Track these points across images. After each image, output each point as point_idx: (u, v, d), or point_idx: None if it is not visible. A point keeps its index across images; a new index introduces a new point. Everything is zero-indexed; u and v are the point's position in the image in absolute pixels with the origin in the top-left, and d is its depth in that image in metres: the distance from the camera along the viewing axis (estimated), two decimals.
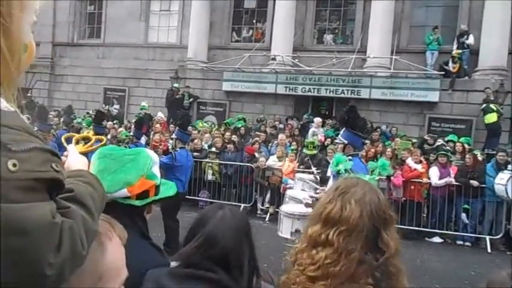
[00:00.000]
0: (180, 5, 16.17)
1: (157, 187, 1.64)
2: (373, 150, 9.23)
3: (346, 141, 4.88)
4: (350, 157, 4.73)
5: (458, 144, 9.59)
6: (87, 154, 1.34)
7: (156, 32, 16.90)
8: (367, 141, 9.55)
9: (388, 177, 8.01)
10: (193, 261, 1.35)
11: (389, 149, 9.30)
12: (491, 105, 10.71)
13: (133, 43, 16.55)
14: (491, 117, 10.79)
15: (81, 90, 17.33)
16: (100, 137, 1.40)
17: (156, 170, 1.64)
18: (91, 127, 9.60)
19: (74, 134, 1.35)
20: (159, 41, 16.73)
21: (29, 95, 15.73)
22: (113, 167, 1.53)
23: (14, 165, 0.62)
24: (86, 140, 1.36)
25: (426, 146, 10.68)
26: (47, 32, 17.22)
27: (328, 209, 1.27)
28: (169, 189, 1.76)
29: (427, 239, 8.25)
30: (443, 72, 11.98)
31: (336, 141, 5.32)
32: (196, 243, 1.36)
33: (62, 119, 11.65)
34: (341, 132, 5.14)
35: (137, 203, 1.56)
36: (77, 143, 1.37)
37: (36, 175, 0.66)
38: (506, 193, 6.73)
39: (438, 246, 7.97)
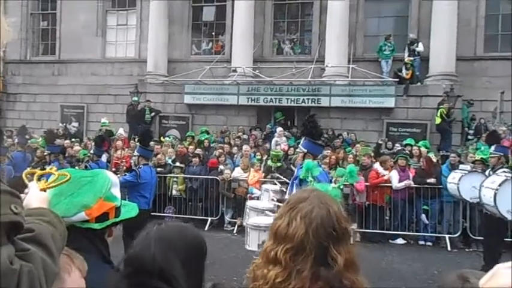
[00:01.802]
0: (138, 18, 16.00)
1: (117, 209, 1.60)
2: (334, 157, 9.43)
3: (305, 150, 5.04)
4: None
5: (415, 147, 9.98)
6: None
7: (113, 47, 16.61)
8: (328, 149, 9.79)
9: (351, 184, 8.19)
10: None
11: (351, 156, 9.54)
12: (439, 110, 11.31)
13: (90, 59, 16.16)
14: (436, 120, 11.51)
15: (37, 109, 16.70)
16: (64, 172, 1.36)
17: (116, 191, 1.61)
18: (45, 148, 9.29)
19: (35, 170, 1.30)
20: (117, 56, 16.44)
21: None
22: (70, 190, 1.48)
23: None
24: (48, 176, 1.32)
25: (386, 151, 11.04)
26: None
27: (277, 225, 1.26)
28: (130, 210, 1.73)
29: (390, 241, 8.49)
30: (397, 79, 12.49)
31: (297, 150, 5.45)
32: (121, 271, 1.27)
33: (16, 140, 11.15)
34: (301, 141, 5.31)
35: (96, 226, 1.52)
36: (39, 179, 1.32)
37: None
38: (459, 192, 7.05)
39: (401, 248, 8.22)
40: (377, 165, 8.75)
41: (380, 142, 11.10)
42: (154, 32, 14.90)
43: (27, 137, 11.66)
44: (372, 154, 9.64)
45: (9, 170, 6.86)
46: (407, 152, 9.63)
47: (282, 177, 7.93)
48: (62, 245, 0.91)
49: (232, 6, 14.55)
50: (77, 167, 8.15)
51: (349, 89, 12.82)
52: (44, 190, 1.22)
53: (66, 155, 9.77)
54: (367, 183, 8.45)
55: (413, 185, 8.39)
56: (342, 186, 4.59)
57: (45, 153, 9.29)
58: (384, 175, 8.49)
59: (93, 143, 10.39)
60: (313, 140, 5.25)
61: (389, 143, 11.55)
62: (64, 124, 15.42)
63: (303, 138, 5.38)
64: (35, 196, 1.10)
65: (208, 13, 15.87)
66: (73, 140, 12.50)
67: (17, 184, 1.15)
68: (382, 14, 14.33)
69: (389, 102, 12.45)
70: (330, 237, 1.20)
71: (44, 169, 1.51)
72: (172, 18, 15.29)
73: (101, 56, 16.36)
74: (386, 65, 13.25)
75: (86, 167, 7.95)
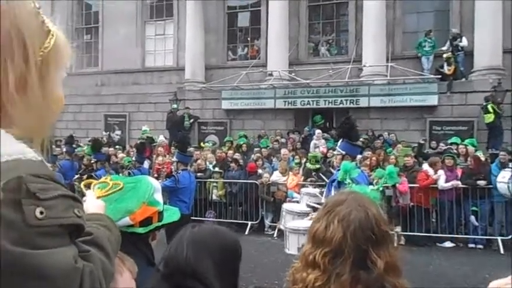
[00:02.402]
0: (175, 28, 16.39)
1: (160, 213, 1.65)
2: (375, 158, 9.20)
3: (343, 152, 4.95)
4: None
5: (461, 146, 9.56)
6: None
7: (152, 57, 17.09)
8: (368, 151, 9.57)
9: (394, 185, 7.97)
10: None
11: (392, 156, 9.27)
12: (489, 106, 10.72)
13: (130, 69, 16.73)
14: (488, 118, 10.81)
15: (82, 119, 17.44)
16: (117, 181, 1.45)
17: (158, 196, 1.66)
18: (92, 156, 9.67)
19: (92, 180, 1.42)
20: (156, 65, 16.91)
21: None
22: (115, 196, 1.53)
23: (41, 212, 0.66)
24: (104, 185, 1.44)
25: (430, 150, 10.66)
26: None
27: (315, 228, 1.25)
28: (172, 214, 1.78)
29: (438, 244, 8.16)
30: (439, 76, 12.04)
31: (334, 152, 5.36)
32: (160, 272, 1.32)
33: (64, 149, 11.69)
34: (339, 143, 5.23)
35: (140, 230, 1.57)
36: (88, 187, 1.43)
37: (60, 221, 0.70)
38: (509, 191, 6.68)
39: (450, 251, 7.87)
40: (426, 167, 8.45)
41: (422, 142, 10.72)
42: (191, 40, 15.20)
43: (74, 146, 12.18)
44: (413, 154, 9.32)
45: (59, 177, 7.21)
46: (454, 151, 9.24)
47: (322, 179, 7.85)
48: (117, 248, 0.99)
49: (266, 11, 14.60)
50: (121, 174, 8.42)
51: (388, 88, 12.50)
52: (100, 198, 1.31)
53: (111, 162, 10.11)
54: (411, 185, 8.18)
55: (460, 185, 8.03)
56: (381, 188, 4.46)
57: (91, 161, 9.68)
58: (433, 178, 8.19)
59: (135, 150, 10.72)
60: (351, 141, 5.15)
61: (434, 142, 11.13)
62: (108, 132, 15.99)
63: (340, 140, 5.28)
64: (92, 203, 1.20)
65: (243, 19, 16.03)
66: (117, 147, 12.94)
67: None
68: (421, 10, 13.86)
69: (432, 100, 12.01)
70: (368, 240, 1.18)
71: (91, 176, 1.63)
72: (208, 26, 15.54)
73: (141, 66, 16.89)
74: (427, 62, 12.79)
75: (129, 173, 8.21)
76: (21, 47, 0.72)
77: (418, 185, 8.21)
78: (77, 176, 9.24)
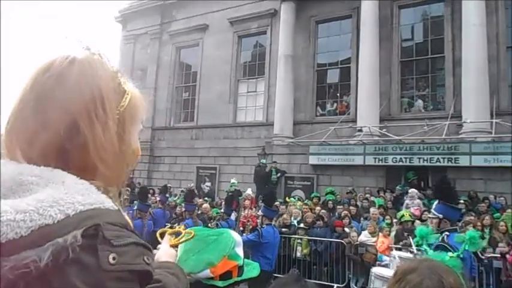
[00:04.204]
0: (266, 85, 17.12)
1: (240, 267, 1.64)
2: (479, 224, 8.24)
3: (440, 215, 4.46)
4: (447, 233, 4.27)
5: None
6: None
7: (243, 112, 17.90)
8: (472, 214, 8.66)
9: (503, 256, 7.00)
10: None
11: (502, 223, 8.23)
12: None
13: (223, 123, 17.65)
14: None
15: (177, 170, 18.55)
16: (189, 230, 1.54)
17: (240, 251, 1.66)
18: (183, 205, 10.06)
19: (166, 229, 1.48)
20: (247, 120, 17.63)
21: (131, 176, 17.22)
22: (197, 248, 1.58)
23: (114, 258, 0.71)
24: (177, 234, 1.49)
25: None
26: (148, 119, 19.20)
27: None
28: (252, 270, 1.75)
29: None
30: None
31: (429, 215, 4.86)
32: None
33: (158, 198, 12.40)
34: (434, 205, 4.73)
35: (220, 284, 1.57)
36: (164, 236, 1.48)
37: (130, 267, 0.74)
38: None
39: None
40: None
41: None
42: (281, 97, 15.69)
43: (167, 195, 12.86)
44: None
45: (150, 225, 7.59)
46: None
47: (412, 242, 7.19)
48: None
49: (356, 67, 14.62)
50: (209, 225, 8.61)
51: (493, 146, 11.40)
52: (173, 246, 1.35)
53: (199, 212, 10.43)
54: None
55: None
56: (461, 255, 3.88)
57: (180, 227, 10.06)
58: None
59: (223, 202, 10.97)
60: (449, 203, 4.61)
61: None
62: (192, 184, 16.40)
63: (435, 202, 4.77)
64: (164, 251, 1.28)
65: (332, 75, 16.21)
66: (206, 199, 13.38)
67: (154, 238, 1.43)
68: None
69: None
70: None
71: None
72: (298, 83, 15.96)
73: (232, 121, 17.73)
74: None
75: (217, 225, 8.35)
76: (101, 107, 0.82)
77: None
78: (168, 225, 9.64)
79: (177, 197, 13.68)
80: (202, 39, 19.11)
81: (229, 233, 1.69)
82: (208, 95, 18.22)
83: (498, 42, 12.84)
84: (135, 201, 9.12)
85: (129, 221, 0.82)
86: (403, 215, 8.98)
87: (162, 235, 1.40)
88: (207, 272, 1.53)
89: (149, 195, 12.37)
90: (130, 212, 8.98)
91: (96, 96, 0.82)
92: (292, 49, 15.95)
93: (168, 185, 16.03)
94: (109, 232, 0.72)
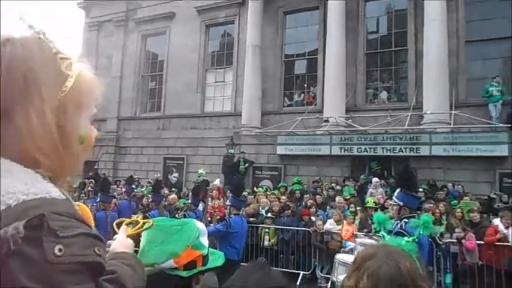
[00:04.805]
0: (234, 75, 17.04)
1: (204, 257, 1.63)
2: (438, 211, 8.61)
3: (401, 203, 4.64)
4: (406, 219, 4.46)
5: None
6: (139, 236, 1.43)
7: (211, 102, 17.78)
8: (431, 201, 9.02)
9: (459, 241, 7.37)
10: None
11: (458, 210, 8.63)
12: None
13: (190, 113, 17.48)
14: None
15: (143, 161, 18.26)
16: (148, 220, 1.50)
17: (204, 240, 1.66)
18: (150, 195, 9.96)
19: (124, 219, 1.46)
20: (215, 110, 17.53)
21: (96, 167, 16.79)
22: (161, 238, 1.56)
23: (60, 250, 0.68)
24: (135, 224, 1.45)
25: (500, 204, 9.80)
26: (114, 108, 18.72)
27: (346, 286, 1.20)
28: (217, 259, 1.75)
29: None
30: (510, 125, 11.27)
31: (391, 202, 5.04)
32: None
33: (123, 189, 12.18)
34: (395, 193, 4.92)
35: (184, 273, 1.55)
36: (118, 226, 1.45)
37: (79, 259, 0.71)
38: None
39: None
40: (497, 221, 7.76)
41: (493, 196, 9.88)
42: (249, 87, 15.68)
43: (133, 186, 12.66)
44: (477, 208, 8.58)
45: (114, 216, 7.43)
46: None
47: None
48: (142, 286, 1.00)
49: (323, 59, 14.80)
50: (176, 216, 8.55)
51: (452, 137, 11.90)
52: (131, 236, 1.31)
53: (166, 203, 10.34)
54: (479, 241, 7.49)
55: None
56: (417, 239, 4.08)
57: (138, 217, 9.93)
58: (504, 233, 7.46)
59: (191, 193, 10.92)
60: (410, 191, 4.81)
61: (505, 196, 10.25)
62: (159, 175, 16.21)
63: (397, 190, 4.97)
64: (119, 242, 1.22)
65: (300, 66, 16.34)
66: (173, 189, 13.26)
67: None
68: (486, 56, 13.34)
69: (502, 150, 11.20)
70: None
71: (146, 217, 1.67)
72: (266, 73, 15.99)
73: (200, 111, 17.58)
74: (495, 110, 12.04)
75: (184, 215, 8.30)
76: (36, 93, 0.76)
77: (489, 243, 7.49)
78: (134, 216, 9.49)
79: (143, 188, 13.49)
80: (169, 28, 18.75)
81: (193, 223, 1.66)
82: (175, 84, 17.96)
83: (458, 37, 13.33)
84: (99, 193, 8.93)
85: (89, 212, 0.80)
86: (368, 201, 9.28)
87: (119, 225, 1.36)
88: (171, 262, 1.51)
89: (114, 186, 12.17)
90: (94, 204, 8.81)
91: (30, 82, 0.75)
92: (260, 39, 15.93)
93: (135, 176, 15.77)
94: (55, 222, 0.69)
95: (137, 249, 1.45)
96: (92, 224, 0.94)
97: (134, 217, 1.53)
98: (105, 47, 20.07)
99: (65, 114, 0.80)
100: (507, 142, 11.16)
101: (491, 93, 12.12)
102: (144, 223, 1.44)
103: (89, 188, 12.61)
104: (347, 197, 10.59)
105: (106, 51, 19.77)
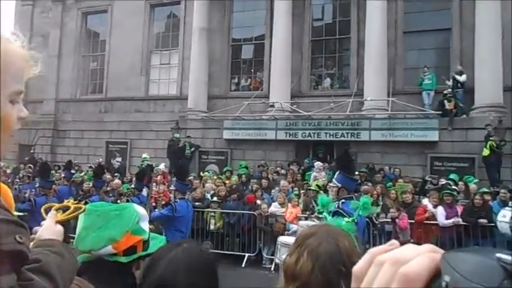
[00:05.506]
0: (180, 58, 16.69)
1: (145, 242, 1.61)
2: (375, 192, 9.11)
3: (339, 185, 4.88)
4: (343, 200, 4.70)
5: (460, 183, 9.48)
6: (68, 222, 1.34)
7: (156, 85, 17.33)
8: (369, 183, 9.50)
9: (393, 220, 7.87)
10: None
11: (393, 191, 9.18)
12: (488, 141, 10.71)
13: (134, 96, 16.93)
14: (484, 152, 10.81)
15: (84, 145, 17.49)
16: (79, 205, 1.42)
17: (144, 225, 1.62)
18: (91, 182, 9.63)
19: (53, 204, 1.37)
20: (160, 93, 17.11)
21: (32, 151, 15.86)
22: (98, 224, 1.52)
23: None
24: (66, 209, 1.36)
25: (430, 186, 10.55)
26: (51, 89, 17.67)
27: (287, 263, 1.23)
28: (159, 243, 1.72)
29: None
30: (440, 112, 12.09)
31: (330, 184, 5.29)
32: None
33: (62, 174, 11.66)
34: (335, 175, 5.17)
35: (123, 259, 1.53)
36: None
37: None
38: (511, 230, 6.55)
39: None
40: (426, 201, 8.35)
41: (427, 179, 10.61)
42: (195, 70, 15.44)
43: (73, 171, 12.14)
44: (410, 190, 9.20)
45: (55, 202, 7.13)
46: (454, 187, 9.14)
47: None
48: (71, 275, 0.94)
49: (270, 44, 14.89)
50: (119, 201, 8.34)
51: (389, 123, 12.55)
52: (60, 222, 1.24)
53: (109, 188, 10.05)
54: (411, 221, 8.06)
55: (461, 222, 7.90)
56: (356, 220, 4.36)
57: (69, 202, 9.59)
58: (432, 212, 8.08)
59: (135, 178, 10.67)
60: (348, 174, 5.08)
61: (436, 177, 11.05)
62: (99, 160, 15.67)
63: (337, 173, 5.22)
64: (47, 228, 1.13)
65: (247, 51, 16.33)
66: (116, 174, 12.88)
67: None
68: (422, 47, 14.13)
69: (433, 136, 12.03)
70: (339, 274, 1.13)
71: (86, 202, 1.60)
72: (212, 57, 15.82)
73: (145, 94, 17.09)
74: (428, 97, 12.89)
75: (127, 200, 8.13)
76: None
77: (419, 222, 8.08)
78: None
79: (83, 173, 12.96)
80: (111, 6, 17.89)
81: (132, 208, 1.62)
82: (118, 65, 17.25)
83: (396, 27, 13.96)
84: (37, 178, 8.50)
85: (10, 196, 0.75)
86: (311, 185, 9.58)
87: (48, 211, 1.27)
88: (109, 248, 1.48)
89: (53, 172, 11.59)
90: (33, 189, 8.39)
91: None
92: (207, 22, 15.67)
93: (75, 161, 15.08)
94: None
95: (72, 235, 1.41)
96: (13, 209, 0.86)
97: (65, 201, 1.46)
98: (40, 24, 18.78)
99: None
100: (437, 128, 11.98)
101: (421, 81, 12.94)
102: (75, 208, 1.38)
103: (25, 173, 11.93)
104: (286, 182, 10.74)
105: (42, 29, 18.50)
